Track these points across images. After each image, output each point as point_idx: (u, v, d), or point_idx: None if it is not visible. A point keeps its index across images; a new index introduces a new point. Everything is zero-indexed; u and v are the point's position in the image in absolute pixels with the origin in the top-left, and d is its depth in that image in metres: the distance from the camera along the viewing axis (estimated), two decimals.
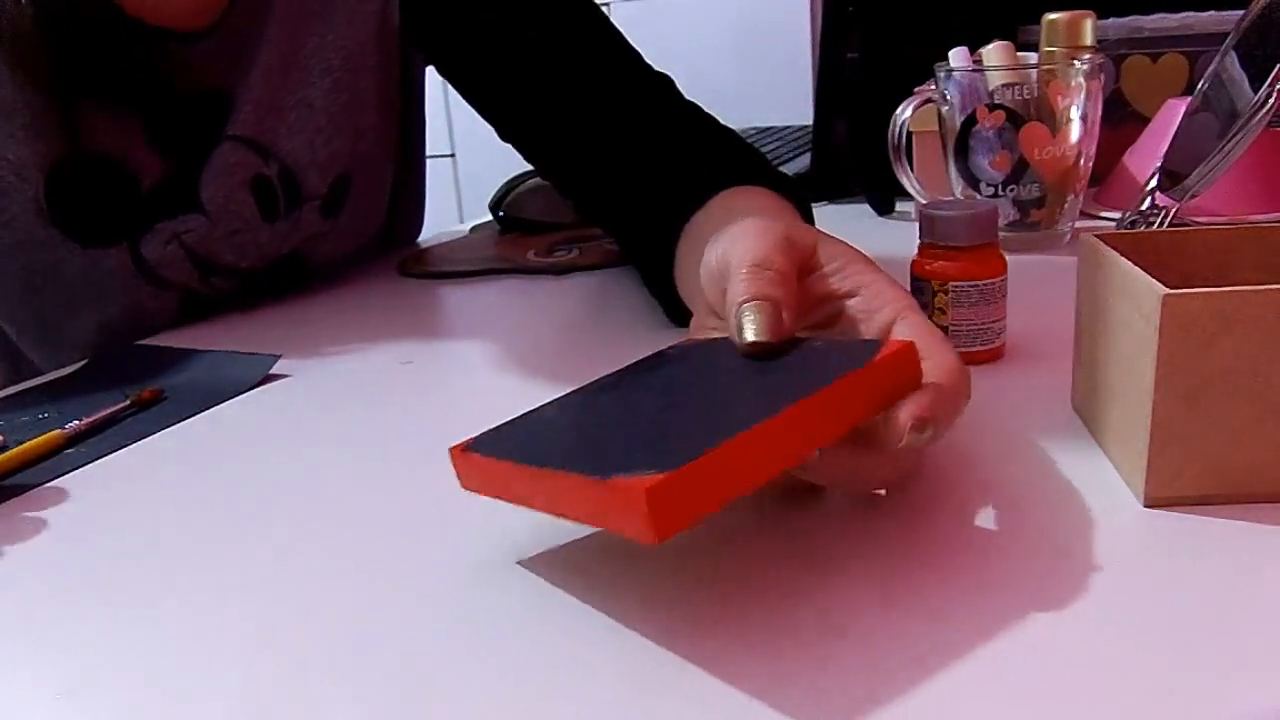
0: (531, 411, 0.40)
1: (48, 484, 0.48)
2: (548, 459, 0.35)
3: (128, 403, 0.55)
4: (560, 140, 0.70)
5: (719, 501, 0.31)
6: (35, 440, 0.50)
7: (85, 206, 0.67)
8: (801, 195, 0.62)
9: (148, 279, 0.71)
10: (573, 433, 0.37)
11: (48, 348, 0.74)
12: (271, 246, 0.75)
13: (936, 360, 0.36)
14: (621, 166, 0.67)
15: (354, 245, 0.83)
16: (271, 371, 0.60)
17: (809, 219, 0.60)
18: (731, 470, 0.31)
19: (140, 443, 0.52)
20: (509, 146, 0.74)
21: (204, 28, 0.68)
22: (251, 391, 0.58)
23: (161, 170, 0.69)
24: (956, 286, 0.52)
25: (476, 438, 0.39)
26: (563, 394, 0.40)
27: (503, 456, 0.36)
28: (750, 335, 0.37)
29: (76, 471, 0.49)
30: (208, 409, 0.56)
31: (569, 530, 0.38)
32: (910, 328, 0.38)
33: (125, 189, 0.68)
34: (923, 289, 0.53)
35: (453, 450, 0.39)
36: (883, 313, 0.39)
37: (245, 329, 0.72)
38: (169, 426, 0.54)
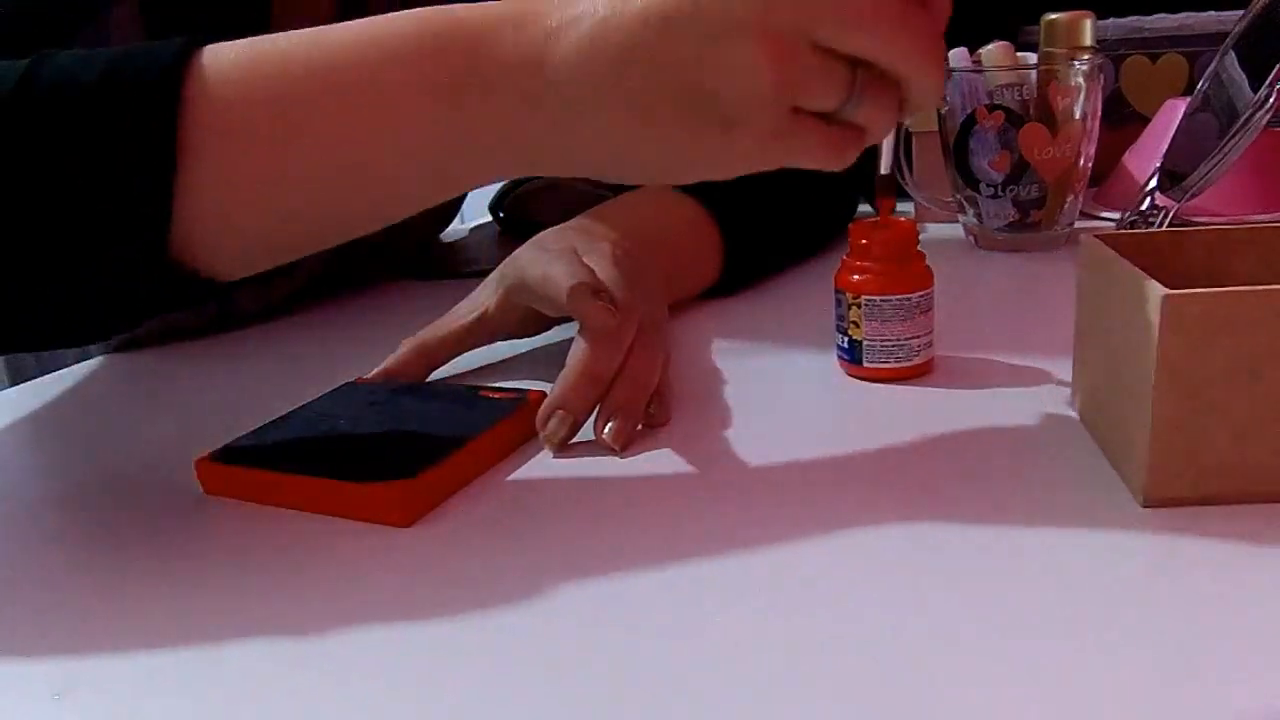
0: (263, 427, 0.48)
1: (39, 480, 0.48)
2: (300, 466, 0.43)
3: None
4: None
5: (442, 497, 0.43)
6: None
7: None
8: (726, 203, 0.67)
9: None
10: (312, 444, 0.46)
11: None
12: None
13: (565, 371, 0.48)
14: None
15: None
16: None
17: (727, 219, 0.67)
18: (448, 475, 0.43)
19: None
20: None
21: None
22: None
23: None
24: (869, 300, 0.51)
25: (221, 450, 0.45)
26: (286, 412, 0.49)
27: (256, 465, 0.44)
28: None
29: (69, 467, 0.49)
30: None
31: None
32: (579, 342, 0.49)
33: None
34: (840, 301, 0.53)
35: (198, 461, 0.45)
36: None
37: (252, 331, 0.72)
38: None
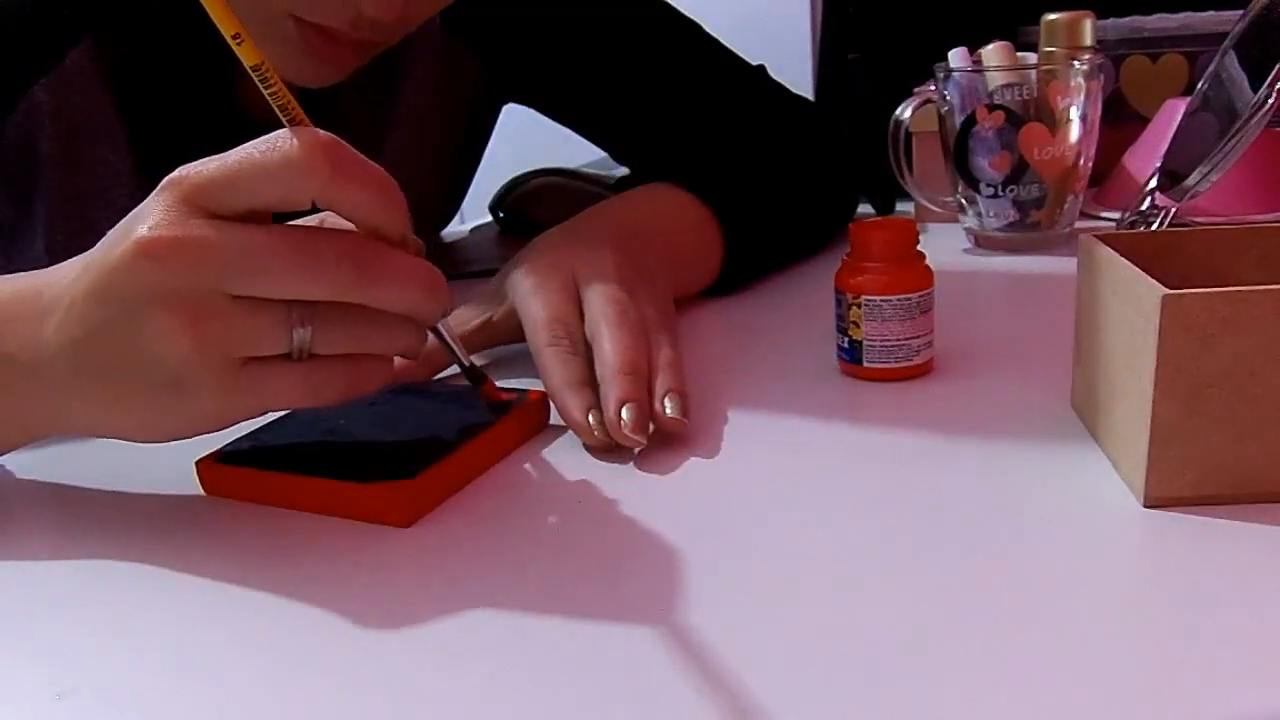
0: (264, 427, 0.47)
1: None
2: (301, 467, 0.43)
3: None
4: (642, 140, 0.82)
5: (442, 497, 0.43)
6: None
7: None
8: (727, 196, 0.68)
9: None
10: (312, 445, 0.46)
11: None
12: None
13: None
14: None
15: None
16: None
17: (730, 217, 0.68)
18: (448, 475, 0.43)
19: None
20: (508, 148, 0.74)
21: None
22: None
23: None
24: (869, 300, 0.51)
25: (222, 451, 0.45)
26: (286, 412, 0.48)
27: (257, 466, 0.44)
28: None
29: (74, 469, 0.49)
30: None
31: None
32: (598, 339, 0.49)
33: None
34: (840, 301, 0.52)
35: (199, 462, 0.45)
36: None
37: None
38: None
